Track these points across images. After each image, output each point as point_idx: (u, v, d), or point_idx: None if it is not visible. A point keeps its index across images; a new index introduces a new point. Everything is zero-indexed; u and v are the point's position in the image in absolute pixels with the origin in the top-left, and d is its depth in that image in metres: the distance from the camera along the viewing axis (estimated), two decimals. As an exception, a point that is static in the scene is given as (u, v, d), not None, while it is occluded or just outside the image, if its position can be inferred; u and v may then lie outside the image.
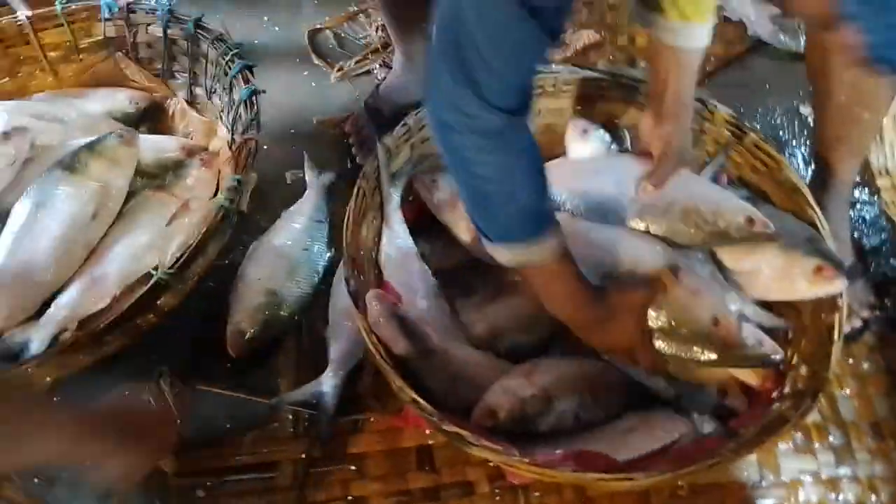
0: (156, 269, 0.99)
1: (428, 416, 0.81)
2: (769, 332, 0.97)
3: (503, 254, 0.85)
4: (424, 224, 1.12)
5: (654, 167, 1.01)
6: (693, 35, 0.93)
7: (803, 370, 0.88)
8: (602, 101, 1.15)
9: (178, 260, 0.98)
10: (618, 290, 0.93)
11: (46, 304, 1.06)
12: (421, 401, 0.82)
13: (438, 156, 1.13)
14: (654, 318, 0.91)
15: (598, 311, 0.89)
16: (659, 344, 0.92)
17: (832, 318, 0.88)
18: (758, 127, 1.09)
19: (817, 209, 0.98)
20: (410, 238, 1.07)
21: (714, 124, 1.10)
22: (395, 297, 1.00)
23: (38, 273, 1.05)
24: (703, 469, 0.77)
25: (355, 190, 1.00)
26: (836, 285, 0.91)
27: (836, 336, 0.86)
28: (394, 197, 1.08)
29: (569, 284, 0.87)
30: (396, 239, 1.07)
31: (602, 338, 0.93)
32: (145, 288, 0.96)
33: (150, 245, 1.10)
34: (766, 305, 1.01)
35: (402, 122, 1.08)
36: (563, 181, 1.05)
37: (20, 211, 1.08)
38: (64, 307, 1.05)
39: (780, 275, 0.96)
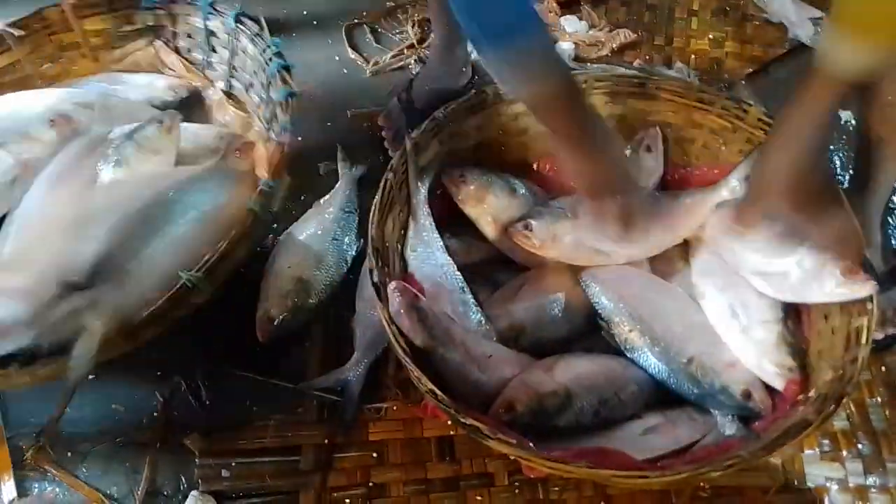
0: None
1: (445, 407, 0.82)
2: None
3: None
4: (451, 219, 1.13)
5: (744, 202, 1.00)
6: (839, 52, 0.77)
7: (829, 374, 0.86)
8: (634, 98, 1.14)
9: (206, 262, 0.98)
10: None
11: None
12: (438, 392, 0.83)
13: (467, 149, 1.15)
14: None
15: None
16: None
17: (861, 322, 0.87)
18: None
19: (850, 211, 0.95)
20: (436, 232, 1.08)
21: (747, 123, 1.08)
22: (419, 289, 1.01)
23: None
24: (718, 470, 0.76)
25: (382, 182, 1.01)
26: (866, 288, 0.89)
27: (864, 340, 0.85)
28: (421, 191, 1.09)
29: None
30: (422, 232, 1.07)
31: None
32: (173, 290, 0.96)
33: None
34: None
35: (432, 117, 1.09)
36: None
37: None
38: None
39: (810, 276, 0.94)
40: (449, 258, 1.08)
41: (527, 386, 0.92)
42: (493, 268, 1.14)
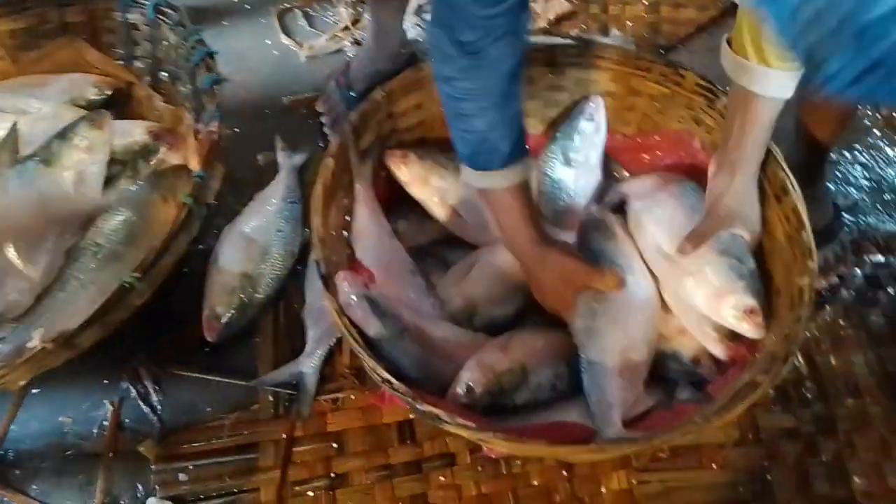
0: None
1: (401, 395, 0.81)
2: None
3: (466, 174, 0.95)
4: (397, 201, 1.11)
5: (698, 225, 0.97)
6: (768, 81, 0.87)
7: (775, 334, 0.88)
8: (574, 68, 1.13)
9: (143, 262, 0.95)
10: (562, 250, 0.98)
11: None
12: (394, 380, 0.82)
13: (408, 129, 1.14)
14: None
15: (540, 255, 0.96)
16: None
17: (803, 282, 0.87)
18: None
19: (787, 171, 0.96)
20: (382, 215, 1.06)
21: (685, 88, 1.09)
22: (367, 276, 1.00)
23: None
24: (673, 439, 0.76)
25: (321, 170, 0.99)
26: (758, 333, 0.91)
27: (806, 298, 0.86)
28: (363, 174, 1.07)
29: (518, 220, 0.95)
30: (368, 217, 1.05)
31: (534, 282, 1.00)
32: (112, 292, 0.94)
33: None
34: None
35: (368, 99, 1.07)
36: None
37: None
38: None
39: (713, 292, 0.94)
40: (397, 242, 1.07)
41: (483, 366, 0.91)
42: (443, 248, 1.13)
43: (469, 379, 0.91)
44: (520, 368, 0.93)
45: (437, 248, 1.13)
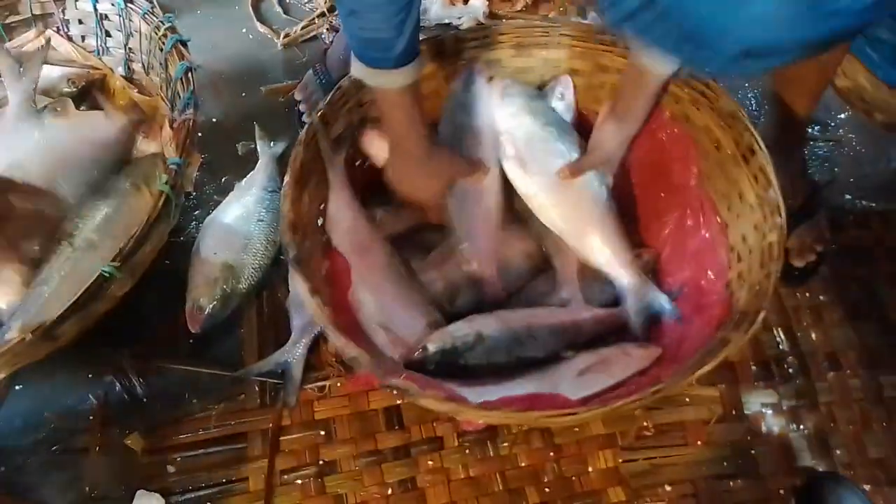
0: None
1: (372, 369, 0.81)
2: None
3: (358, 69, 0.91)
4: (374, 190, 1.10)
5: (580, 158, 1.05)
6: (655, 59, 0.92)
7: (747, 293, 0.88)
8: (540, 48, 1.12)
9: (121, 251, 0.94)
10: (443, 147, 1.04)
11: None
12: (363, 357, 0.81)
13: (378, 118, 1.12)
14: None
15: (427, 152, 0.99)
16: None
17: (773, 238, 0.88)
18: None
19: (754, 131, 0.96)
20: (356, 201, 1.05)
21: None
22: (343, 263, 0.99)
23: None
24: (645, 399, 0.77)
25: (292, 159, 0.96)
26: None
27: (776, 254, 0.86)
28: (335, 162, 1.05)
29: (410, 118, 0.95)
30: (342, 205, 1.04)
31: (406, 173, 1.02)
32: (90, 282, 0.92)
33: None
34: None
35: (337, 86, 1.05)
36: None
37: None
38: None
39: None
40: (374, 228, 1.06)
41: (443, 332, 0.93)
42: (424, 233, 1.12)
43: (426, 342, 0.92)
44: (475, 333, 0.94)
45: (418, 233, 1.12)
